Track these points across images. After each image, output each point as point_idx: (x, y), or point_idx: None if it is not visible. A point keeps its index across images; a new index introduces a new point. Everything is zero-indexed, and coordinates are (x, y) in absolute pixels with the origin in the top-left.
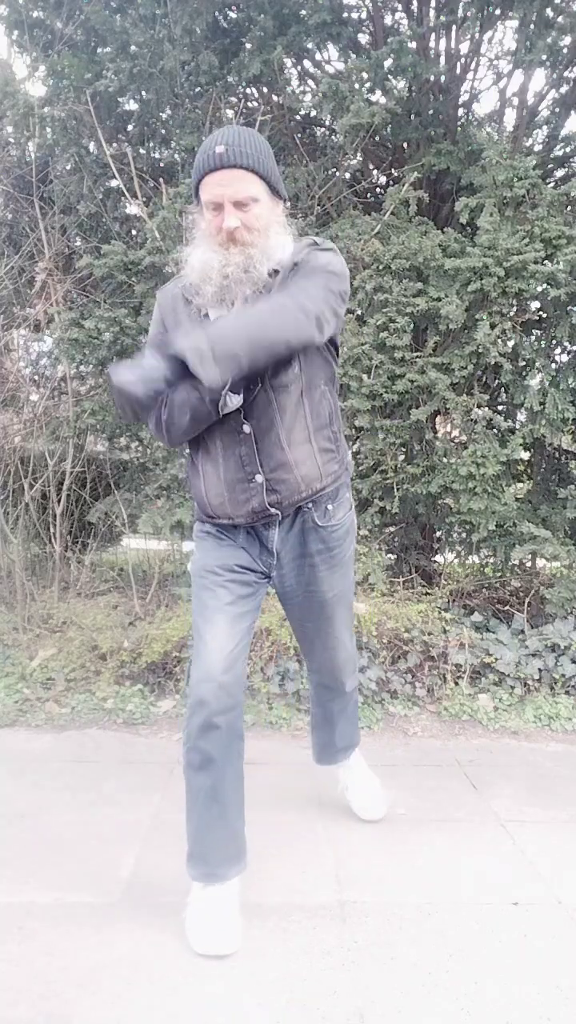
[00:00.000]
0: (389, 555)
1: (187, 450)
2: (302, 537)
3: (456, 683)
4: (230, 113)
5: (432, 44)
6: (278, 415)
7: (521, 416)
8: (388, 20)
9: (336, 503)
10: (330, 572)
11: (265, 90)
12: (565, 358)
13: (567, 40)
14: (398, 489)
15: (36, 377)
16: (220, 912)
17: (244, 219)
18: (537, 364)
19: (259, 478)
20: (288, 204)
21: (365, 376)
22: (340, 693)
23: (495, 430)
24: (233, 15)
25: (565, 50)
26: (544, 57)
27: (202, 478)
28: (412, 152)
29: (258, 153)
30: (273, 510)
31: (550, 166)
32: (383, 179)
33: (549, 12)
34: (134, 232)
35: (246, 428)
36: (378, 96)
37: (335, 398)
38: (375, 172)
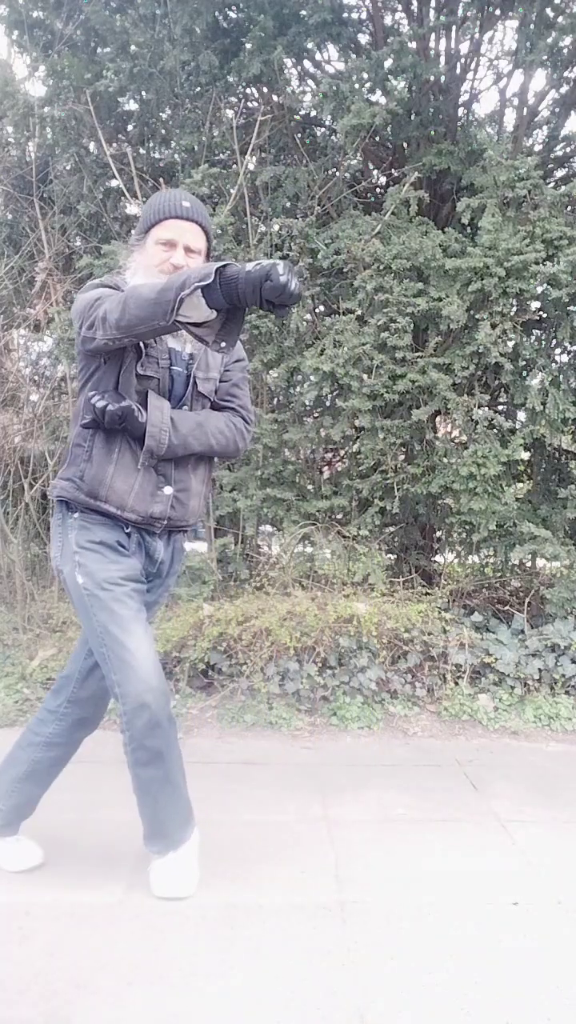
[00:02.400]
0: (389, 555)
1: (92, 431)
2: (172, 553)
3: (456, 683)
4: (230, 113)
5: (432, 44)
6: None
7: (521, 416)
8: (388, 20)
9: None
10: (167, 590)
11: (265, 90)
12: (565, 358)
13: (567, 40)
14: (398, 489)
15: (36, 377)
16: (184, 868)
17: (189, 263)
18: (538, 364)
19: (168, 490)
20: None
21: (366, 376)
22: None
23: (496, 430)
24: (233, 15)
25: (565, 51)
26: (544, 57)
27: (114, 464)
28: (412, 152)
29: (210, 220)
30: (166, 522)
31: (550, 166)
32: (383, 179)
33: (549, 12)
34: (133, 232)
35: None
36: (378, 96)
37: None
38: (375, 172)
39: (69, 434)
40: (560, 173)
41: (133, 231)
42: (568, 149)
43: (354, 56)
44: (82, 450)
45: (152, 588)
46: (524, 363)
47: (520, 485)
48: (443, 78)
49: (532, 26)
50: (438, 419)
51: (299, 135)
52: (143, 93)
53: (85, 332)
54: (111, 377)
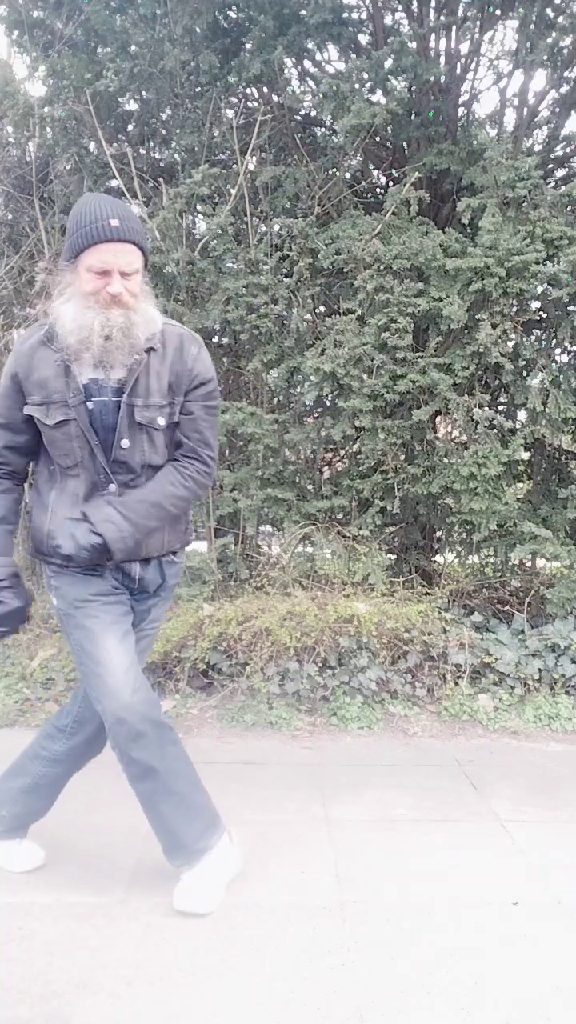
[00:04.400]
0: (389, 555)
1: (35, 494)
2: (160, 570)
3: (456, 683)
4: (230, 113)
5: (432, 44)
6: (147, 484)
7: (522, 416)
8: (388, 20)
9: (182, 551)
10: (163, 608)
11: (265, 90)
12: (566, 358)
13: (568, 40)
14: (399, 489)
15: None
16: (205, 883)
17: (127, 286)
18: (538, 364)
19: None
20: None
21: (366, 376)
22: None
23: (496, 430)
24: (233, 15)
25: (566, 51)
26: (545, 57)
27: (49, 513)
28: (412, 152)
29: (142, 229)
30: (120, 560)
31: (550, 166)
32: (384, 179)
33: (549, 12)
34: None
35: (112, 487)
36: (378, 96)
37: None
38: (375, 172)
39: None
40: (560, 173)
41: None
42: (568, 149)
43: (354, 56)
44: (23, 507)
45: (141, 600)
46: (524, 363)
47: (520, 485)
48: (443, 78)
49: (532, 26)
50: (438, 419)
51: (299, 135)
52: (143, 93)
53: None
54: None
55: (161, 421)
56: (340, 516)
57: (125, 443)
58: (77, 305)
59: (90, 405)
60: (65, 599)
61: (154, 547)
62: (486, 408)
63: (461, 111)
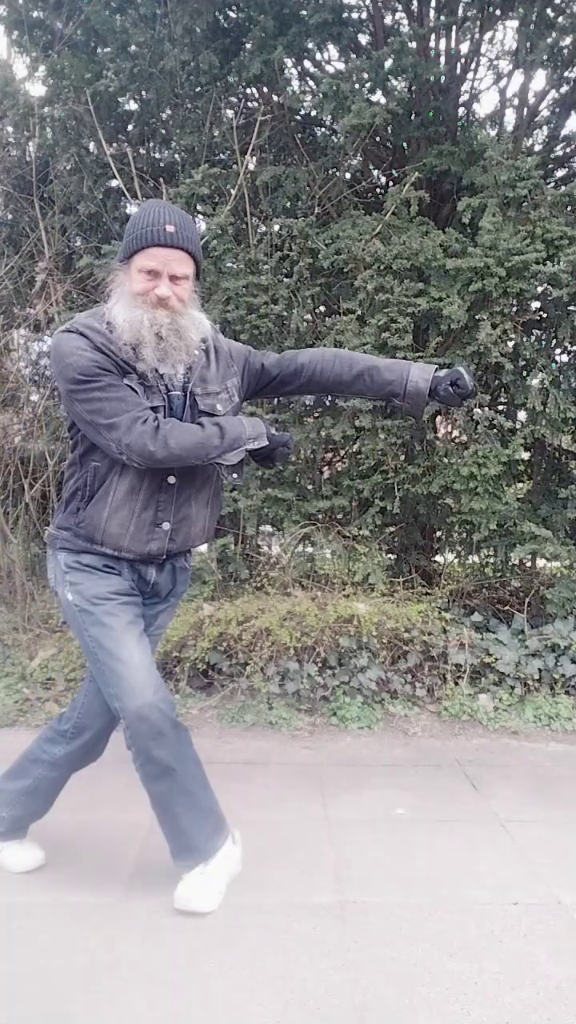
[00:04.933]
0: (389, 555)
1: (93, 479)
2: (172, 576)
3: (456, 683)
4: (230, 113)
5: (432, 44)
6: (198, 474)
7: (522, 416)
8: (388, 20)
9: (191, 556)
10: (170, 614)
11: (265, 90)
12: (566, 358)
13: (567, 40)
14: (399, 489)
15: (36, 377)
16: (209, 883)
17: (175, 291)
18: (538, 364)
19: (166, 526)
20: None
21: None
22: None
23: (496, 430)
24: (233, 15)
25: (566, 51)
26: (545, 57)
27: (108, 507)
28: (413, 152)
29: (197, 239)
30: (164, 556)
31: (550, 166)
32: (384, 179)
33: (549, 12)
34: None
35: (171, 479)
36: (379, 96)
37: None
38: (376, 172)
39: (65, 483)
40: (560, 173)
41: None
42: (568, 149)
43: (354, 56)
44: (79, 498)
45: (151, 605)
46: (524, 363)
47: (520, 485)
48: (443, 78)
49: (532, 26)
50: (438, 419)
51: (299, 135)
52: (143, 93)
53: (106, 443)
54: None
55: (220, 408)
56: (340, 516)
57: None
58: (126, 304)
59: (170, 396)
60: (83, 595)
61: (197, 535)
62: (486, 408)
63: (461, 111)
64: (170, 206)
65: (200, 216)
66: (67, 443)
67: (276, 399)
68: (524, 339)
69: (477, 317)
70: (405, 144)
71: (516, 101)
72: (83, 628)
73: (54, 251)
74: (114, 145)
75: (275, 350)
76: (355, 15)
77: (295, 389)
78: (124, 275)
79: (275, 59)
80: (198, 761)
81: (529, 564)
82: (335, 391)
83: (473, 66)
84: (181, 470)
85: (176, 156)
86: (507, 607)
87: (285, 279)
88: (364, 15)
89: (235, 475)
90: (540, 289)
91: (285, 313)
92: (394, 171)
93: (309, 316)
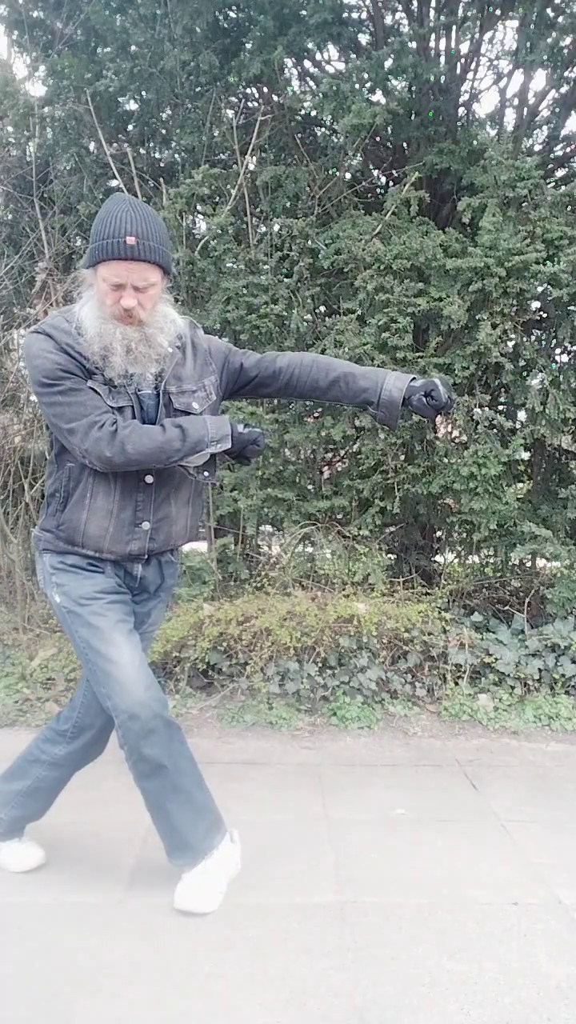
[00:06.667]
0: (389, 555)
1: (68, 480)
2: (160, 570)
3: (456, 683)
4: (230, 113)
5: (432, 44)
6: (175, 473)
7: (522, 416)
8: (388, 20)
9: (179, 552)
10: (162, 611)
11: (265, 90)
12: (566, 358)
13: (568, 40)
14: (399, 489)
15: None
16: (208, 882)
17: (140, 299)
18: (538, 364)
19: (146, 525)
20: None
21: None
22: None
23: (496, 430)
24: (233, 15)
25: (566, 51)
26: (545, 57)
27: (86, 509)
28: (413, 152)
29: (162, 245)
30: (146, 555)
31: (550, 166)
32: (384, 179)
33: (550, 12)
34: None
35: (148, 479)
36: (379, 96)
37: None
38: (376, 172)
39: (46, 483)
40: (560, 173)
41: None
42: (568, 149)
43: (354, 56)
44: (56, 500)
45: (141, 601)
46: (524, 363)
47: (520, 485)
48: (443, 78)
49: (532, 26)
50: (438, 419)
51: (299, 135)
52: (143, 93)
53: (70, 446)
54: None
55: (196, 406)
56: (340, 516)
57: None
58: (95, 311)
59: (140, 396)
60: (69, 596)
61: (178, 534)
62: (486, 408)
63: (461, 111)
64: (133, 207)
65: (200, 216)
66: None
67: (276, 400)
68: (524, 339)
69: (477, 317)
70: (405, 144)
71: (516, 101)
72: (73, 629)
73: (54, 251)
74: (114, 145)
75: (275, 350)
76: (355, 15)
77: (273, 392)
78: (92, 278)
79: (275, 59)
80: (192, 759)
81: (529, 564)
82: (312, 397)
83: (473, 66)
84: (158, 469)
85: (176, 156)
86: (507, 607)
87: (285, 279)
88: (364, 15)
89: (205, 473)
90: (540, 289)
91: (285, 313)
92: (394, 171)
93: (309, 316)
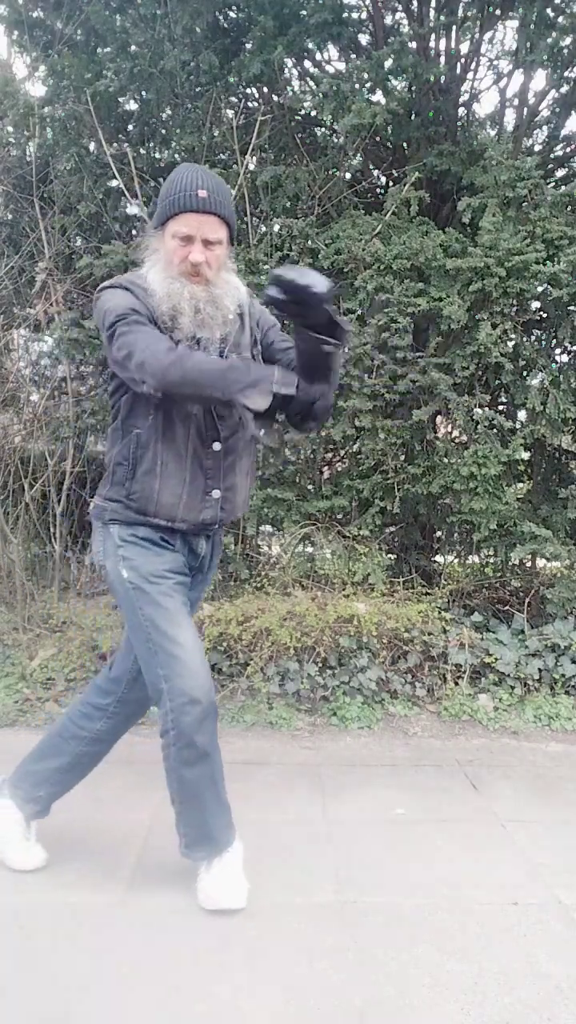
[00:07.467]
0: (389, 555)
1: (136, 448)
2: (214, 549)
3: (456, 683)
4: (230, 113)
5: (432, 44)
6: (241, 444)
7: (522, 416)
8: (388, 20)
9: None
10: (203, 590)
11: (265, 90)
12: (566, 358)
13: (568, 40)
14: (399, 489)
15: (36, 377)
16: (235, 876)
17: (208, 256)
18: (538, 364)
19: (216, 493)
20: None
21: (366, 376)
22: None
23: (496, 430)
24: (233, 15)
25: (566, 51)
26: (545, 57)
27: (159, 478)
28: (413, 152)
29: (230, 203)
30: (216, 525)
31: (550, 166)
32: (384, 179)
33: (550, 12)
34: (134, 232)
35: (216, 446)
36: (379, 96)
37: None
38: (376, 172)
39: (108, 452)
40: (560, 173)
41: (150, 220)
42: (568, 149)
43: (354, 56)
44: (124, 468)
45: (194, 584)
46: (524, 363)
47: (520, 485)
48: (443, 78)
49: (532, 26)
50: (438, 419)
51: (299, 135)
52: (143, 93)
53: (130, 375)
54: None
55: None
56: (340, 516)
57: None
58: (162, 273)
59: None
60: (138, 572)
61: (240, 505)
62: (486, 408)
63: (461, 111)
64: (203, 170)
65: None
66: (67, 443)
67: None
68: (524, 339)
69: (477, 317)
70: (405, 144)
71: (516, 101)
72: (136, 606)
73: (54, 251)
74: (114, 145)
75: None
76: (355, 15)
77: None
78: (158, 241)
79: (275, 59)
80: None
81: (529, 564)
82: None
83: (473, 66)
84: (225, 436)
85: (176, 156)
86: (507, 607)
87: None
88: (364, 15)
89: (263, 431)
90: (540, 289)
91: None
92: (394, 171)
93: None
